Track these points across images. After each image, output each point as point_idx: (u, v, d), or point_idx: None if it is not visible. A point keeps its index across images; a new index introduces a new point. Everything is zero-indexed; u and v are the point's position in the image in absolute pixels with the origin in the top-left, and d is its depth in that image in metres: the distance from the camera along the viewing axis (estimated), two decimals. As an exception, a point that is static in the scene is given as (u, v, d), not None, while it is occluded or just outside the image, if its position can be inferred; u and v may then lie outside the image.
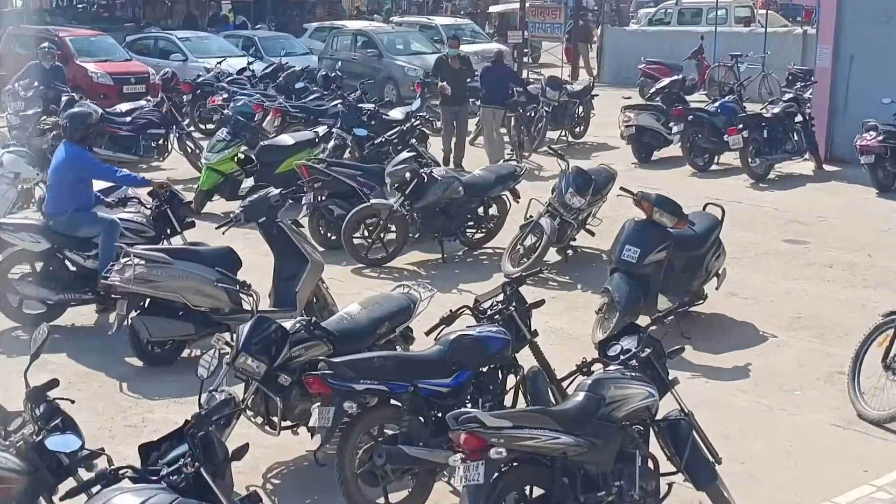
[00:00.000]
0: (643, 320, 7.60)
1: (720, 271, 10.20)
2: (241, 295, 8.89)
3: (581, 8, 32.27)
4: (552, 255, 11.83)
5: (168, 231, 10.25)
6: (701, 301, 9.98)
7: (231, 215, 9.68)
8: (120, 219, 9.98)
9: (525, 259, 11.27)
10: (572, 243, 12.04)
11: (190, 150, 16.66)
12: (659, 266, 9.42)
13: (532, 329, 7.29)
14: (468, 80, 16.93)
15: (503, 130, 17.93)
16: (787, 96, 16.81)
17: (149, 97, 19.23)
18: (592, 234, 12.19)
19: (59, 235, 9.74)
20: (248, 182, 14.00)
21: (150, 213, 10.26)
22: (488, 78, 17.18)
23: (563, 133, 19.59)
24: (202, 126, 20.52)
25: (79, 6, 39.35)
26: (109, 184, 10.54)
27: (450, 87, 16.56)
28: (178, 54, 25.69)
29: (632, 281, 9.24)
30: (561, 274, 11.58)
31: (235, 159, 14.11)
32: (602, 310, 9.29)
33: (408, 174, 11.95)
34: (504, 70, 17.84)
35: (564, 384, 6.75)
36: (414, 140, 14.62)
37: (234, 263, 9.17)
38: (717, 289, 10.23)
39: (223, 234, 9.96)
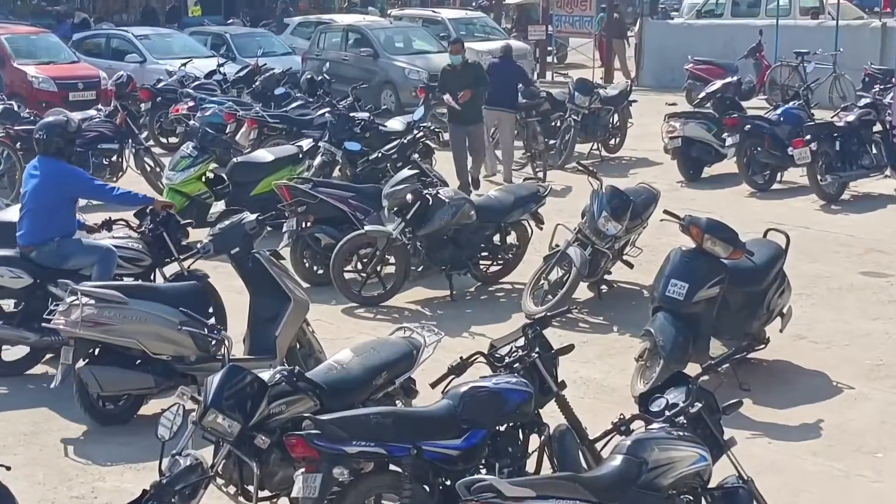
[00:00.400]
0: (692, 369, 7.59)
1: (784, 310, 10.18)
2: (209, 340, 8.88)
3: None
4: (583, 292, 11.83)
5: (165, 259, 10.33)
6: (762, 346, 9.96)
7: (198, 245, 9.73)
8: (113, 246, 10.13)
9: (550, 296, 11.29)
10: (606, 277, 12.04)
11: (149, 169, 16.74)
12: (711, 304, 9.41)
13: (559, 380, 7.28)
14: (481, 90, 16.57)
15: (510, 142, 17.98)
16: (864, 101, 16.85)
17: (100, 106, 19.36)
18: (631, 266, 12.19)
19: (43, 269, 9.83)
20: (219, 206, 14.06)
21: (143, 238, 10.35)
22: (493, 77, 17.14)
23: (595, 146, 19.67)
24: (163, 140, 20.64)
25: (17, -2, 39.69)
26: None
27: (458, 102, 16.30)
28: (134, 55, 25.89)
29: (678, 322, 9.23)
30: (593, 314, 11.57)
31: (203, 179, 14.18)
32: (643, 356, 9.28)
33: (409, 196, 11.97)
34: (512, 68, 17.81)
35: (598, 445, 6.72)
36: (416, 155, 14.69)
37: (202, 303, 9.19)
38: (781, 331, 10.22)
39: (187, 268, 9.99)
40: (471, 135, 16.60)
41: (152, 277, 10.48)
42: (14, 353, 10.08)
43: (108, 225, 10.53)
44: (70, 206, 10.08)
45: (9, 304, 10.09)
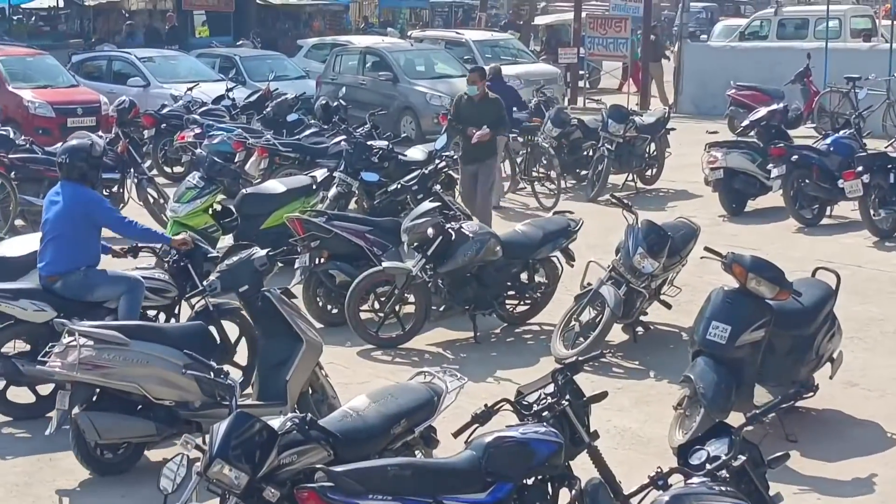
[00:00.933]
0: (735, 419, 7.55)
1: (835, 355, 10.14)
2: (216, 385, 8.90)
3: (653, 18, 32.48)
4: (617, 334, 11.83)
5: (188, 289, 10.38)
6: (810, 394, 9.91)
7: (203, 283, 9.75)
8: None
9: (582, 339, 11.30)
10: (642, 318, 12.05)
11: (152, 200, 16.82)
12: (755, 348, 9.39)
13: (591, 429, 7.26)
14: (500, 130, 16.11)
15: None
16: (920, 130, 16.83)
17: (100, 132, 19.38)
18: (669, 306, 12.21)
19: (67, 301, 9.93)
20: (227, 240, 14.09)
21: (168, 269, 10.48)
22: None
23: (631, 177, 19.72)
24: (168, 169, 20.75)
25: (13, 18, 39.93)
26: None
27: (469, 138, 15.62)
28: (137, 78, 26.01)
29: (720, 367, 9.20)
30: (628, 358, 11.56)
31: (210, 212, 14.21)
32: (682, 405, 9.25)
33: (430, 230, 12.00)
34: (503, 90, 18.10)
35: (633, 501, 6.69)
36: (438, 187, 14.71)
37: (208, 344, 9.21)
38: (830, 378, 10.17)
39: (193, 306, 10.02)
40: (481, 172, 15.76)
41: (177, 310, 10.59)
42: (28, 395, 10.07)
43: (134, 251, 10.60)
44: (95, 234, 10.20)
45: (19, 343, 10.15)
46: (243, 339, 10.41)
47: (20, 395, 10.09)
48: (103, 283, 10.04)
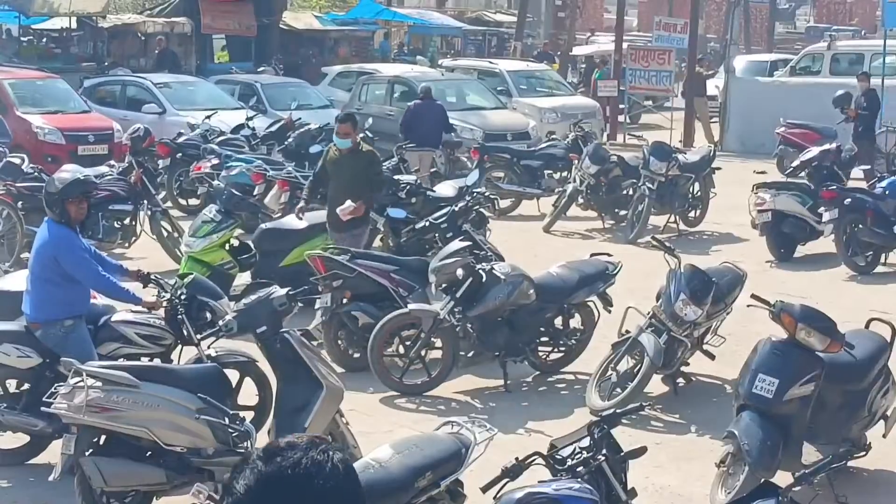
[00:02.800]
0: (782, 478, 7.51)
1: (889, 412, 10.09)
2: (230, 431, 8.90)
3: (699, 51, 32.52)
4: (656, 385, 11.82)
5: (183, 339, 10.32)
6: (862, 453, 9.86)
7: (219, 323, 9.76)
8: (129, 321, 10.20)
9: (619, 390, 11.27)
10: (684, 369, 12.03)
11: (166, 234, 16.85)
12: (804, 403, 9.35)
13: (629, 487, 7.23)
14: (373, 188, 14.25)
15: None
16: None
17: (113, 161, 19.48)
18: (712, 357, 12.17)
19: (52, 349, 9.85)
20: (244, 278, 14.12)
21: (166, 313, 10.31)
22: (415, 118, 17.91)
23: (673, 219, 19.70)
24: (183, 201, 20.78)
25: (23, 39, 40.17)
26: None
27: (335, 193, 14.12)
28: (153, 104, 26.08)
29: (767, 423, 9.16)
30: (668, 411, 11.54)
31: (227, 247, 14.24)
32: (725, 462, 9.21)
33: (460, 270, 11.99)
34: (434, 109, 18.72)
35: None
36: (468, 225, 14.71)
37: (223, 387, 9.23)
38: (884, 436, 10.11)
39: (207, 348, 10.03)
40: (349, 243, 13.54)
41: (177, 359, 10.52)
42: (13, 439, 10.12)
43: (143, 279, 10.50)
44: (73, 278, 9.89)
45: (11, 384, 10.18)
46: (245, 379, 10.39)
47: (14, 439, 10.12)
48: (80, 348, 9.67)
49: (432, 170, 21.17)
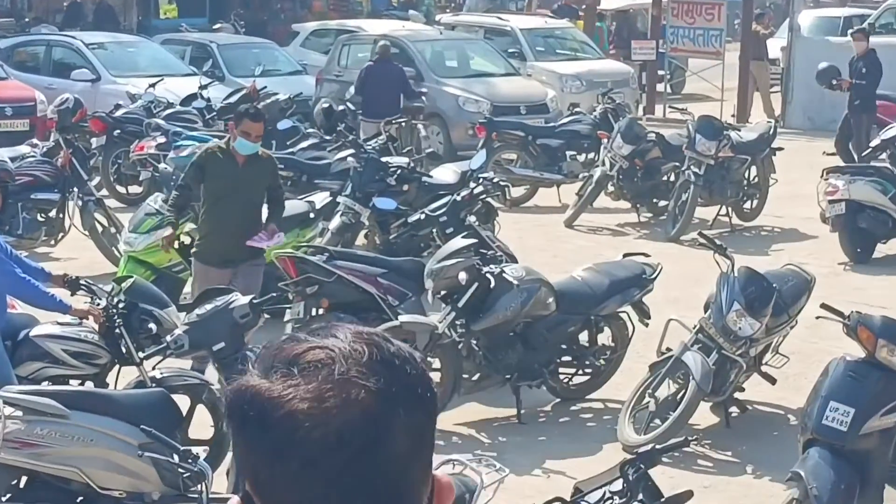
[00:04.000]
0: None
1: None
2: (181, 471, 8.84)
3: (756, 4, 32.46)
4: (704, 416, 11.78)
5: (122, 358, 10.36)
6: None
7: (166, 339, 9.79)
8: (55, 336, 10.21)
9: (658, 421, 11.26)
10: (738, 396, 12.01)
11: (101, 229, 16.85)
12: (886, 438, 9.39)
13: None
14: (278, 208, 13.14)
15: None
16: None
17: (35, 140, 19.49)
18: (773, 380, 12.19)
19: None
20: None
21: (100, 328, 10.37)
22: (369, 84, 18.10)
23: (725, 211, 19.65)
24: (122, 189, 20.78)
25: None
26: None
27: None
28: (84, 70, 26.17)
29: (840, 462, 9.15)
30: (719, 447, 11.53)
31: (177, 245, 14.17)
32: (790, 509, 9.19)
33: (463, 274, 11.92)
34: (391, 71, 19.06)
35: None
36: (473, 218, 14.67)
37: (171, 417, 9.23)
38: None
39: (152, 369, 9.95)
40: (241, 278, 12.24)
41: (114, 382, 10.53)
42: None
43: (72, 284, 10.55)
44: None
45: None
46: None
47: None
48: None
49: (428, 151, 21.25)
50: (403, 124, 21.18)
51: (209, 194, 12.49)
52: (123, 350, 10.21)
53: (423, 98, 23.63)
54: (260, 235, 12.51)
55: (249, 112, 12.83)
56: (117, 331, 10.17)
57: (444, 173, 17.25)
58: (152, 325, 10.38)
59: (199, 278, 12.55)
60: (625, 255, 13.45)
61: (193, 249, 12.89)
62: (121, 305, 10.26)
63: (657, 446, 7.99)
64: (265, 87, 23.45)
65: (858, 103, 23.14)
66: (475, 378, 12.18)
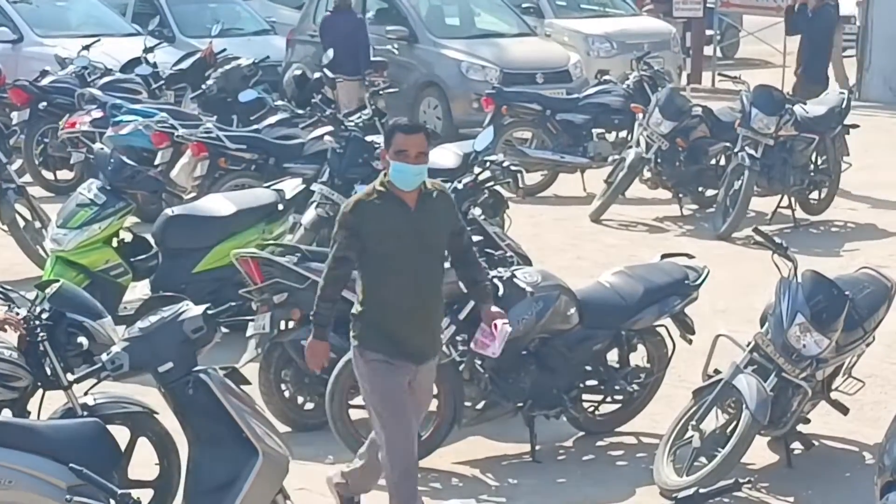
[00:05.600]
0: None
1: None
2: (118, 519, 8.94)
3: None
4: (761, 453, 11.84)
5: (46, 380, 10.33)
6: None
7: (101, 357, 9.77)
8: None
9: (704, 459, 11.29)
10: (801, 428, 12.05)
11: (23, 223, 16.86)
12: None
13: None
14: None
15: None
16: None
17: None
18: (845, 410, 12.21)
19: None
20: (140, 289, 14.17)
21: (20, 344, 10.35)
22: (327, 35, 18.52)
23: (787, 202, 19.67)
24: (49, 174, 20.80)
25: None
26: None
27: None
28: (4, 28, 26.12)
29: (927, 511, 9.22)
30: (779, 491, 11.57)
31: (115, 243, 14.29)
32: (862, 568, 9.29)
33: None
34: (351, 21, 19.63)
35: None
36: (478, 211, 14.74)
37: (106, 453, 9.23)
38: None
39: (83, 394, 10.05)
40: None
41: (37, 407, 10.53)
42: None
43: None
44: None
45: None
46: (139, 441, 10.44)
47: None
48: None
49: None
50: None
51: (376, 262, 10.44)
52: (48, 371, 10.15)
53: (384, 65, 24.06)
54: (482, 336, 10.98)
55: (399, 124, 10.68)
56: (41, 347, 10.06)
57: (443, 156, 16.98)
58: (83, 340, 10.30)
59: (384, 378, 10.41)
60: (663, 257, 13.30)
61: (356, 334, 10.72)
62: (45, 316, 10.20)
63: (702, 490, 7.99)
64: (224, 49, 23.47)
65: (809, 57, 23.25)
66: (480, 406, 12.18)
